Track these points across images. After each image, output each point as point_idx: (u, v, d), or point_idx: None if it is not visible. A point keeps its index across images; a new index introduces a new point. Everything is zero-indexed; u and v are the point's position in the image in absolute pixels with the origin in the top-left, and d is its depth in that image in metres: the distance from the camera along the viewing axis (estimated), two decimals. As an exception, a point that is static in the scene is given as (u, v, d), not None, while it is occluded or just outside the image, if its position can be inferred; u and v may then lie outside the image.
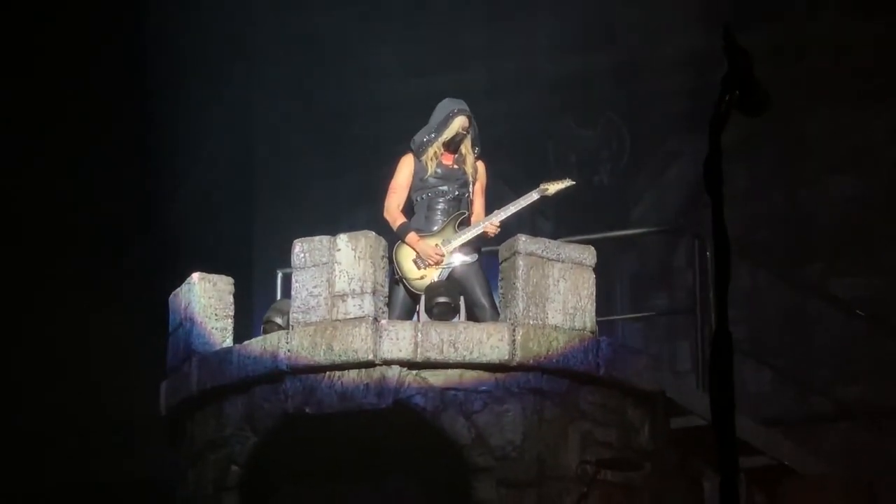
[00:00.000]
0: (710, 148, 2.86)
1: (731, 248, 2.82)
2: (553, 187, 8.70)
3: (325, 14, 13.91)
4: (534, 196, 8.68)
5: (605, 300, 9.69)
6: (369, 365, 8.02)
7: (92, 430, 12.36)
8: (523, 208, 8.72)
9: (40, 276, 12.75)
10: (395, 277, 8.58)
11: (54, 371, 12.53)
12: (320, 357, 8.09)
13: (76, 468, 12.45)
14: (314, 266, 8.27)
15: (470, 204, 8.74)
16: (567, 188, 8.76)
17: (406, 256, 8.57)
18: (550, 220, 12.28)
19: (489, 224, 8.60)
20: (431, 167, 8.67)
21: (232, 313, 8.79)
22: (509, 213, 8.65)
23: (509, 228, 8.68)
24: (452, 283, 8.51)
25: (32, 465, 12.56)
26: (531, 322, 8.13)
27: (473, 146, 8.77)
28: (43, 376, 12.54)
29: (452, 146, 8.73)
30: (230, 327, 8.75)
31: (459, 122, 8.68)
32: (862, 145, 12.25)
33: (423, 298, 8.49)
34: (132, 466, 11.85)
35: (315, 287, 8.24)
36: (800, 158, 12.42)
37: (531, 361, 8.07)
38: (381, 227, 8.71)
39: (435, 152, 8.69)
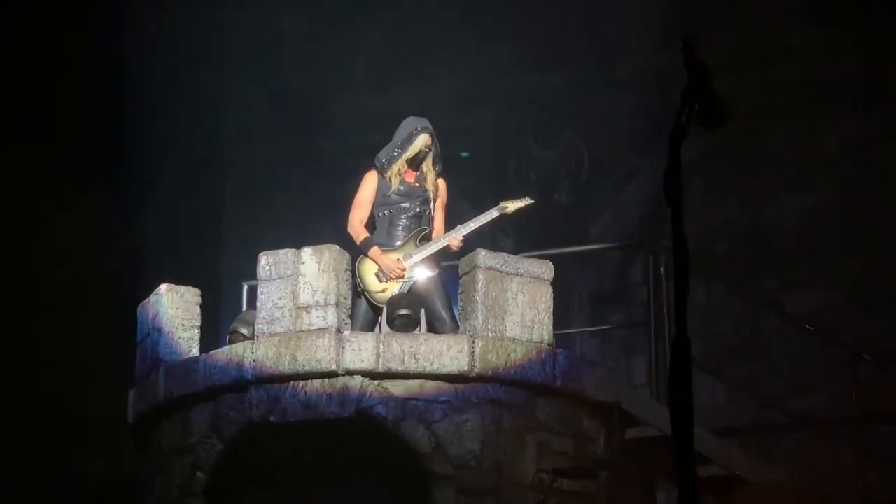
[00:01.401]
0: (670, 159, 2.89)
1: (689, 260, 2.88)
2: (512, 205, 8.81)
3: (295, 25, 14.02)
4: (493, 213, 8.79)
5: (563, 316, 9.82)
6: (332, 375, 8.14)
7: (91, 429, 12.39)
8: (483, 225, 8.86)
9: (36, 277, 12.80)
10: (358, 290, 8.69)
11: (52, 370, 12.56)
12: (284, 367, 8.20)
13: (75, 467, 12.49)
14: (279, 278, 8.40)
15: (431, 220, 8.87)
16: (526, 206, 8.87)
17: (368, 270, 8.71)
18: (511, 237, 12.39)
19: (452, 239, 8.73)
20: (395, 184, 8.82)
21: (199, 324, 8.91)
22: (469, 230, 8.75)
23: (470, 244, 8.77)
24: (413, 297, 8.63)
25: (30, 464, 12.60)
26: (490, 334, 8.27)
27: (435, 164, 8.92)
28: (40, 376, 12.58)
29: (415, 163, 8.88)
30: (197, 337, 8.87)
31: (422, 140, 8.84)
32: (816, 160, 12.38)
33: (384, 311, 8.62)
34: (130, 466, 11.91)
35: (280, 299, 8.37)
36: (755, 173, 12.55)
37: (490, 372, 8.20)
38: (348, 240, 8.86)
39: (398, 169, 8.83)
